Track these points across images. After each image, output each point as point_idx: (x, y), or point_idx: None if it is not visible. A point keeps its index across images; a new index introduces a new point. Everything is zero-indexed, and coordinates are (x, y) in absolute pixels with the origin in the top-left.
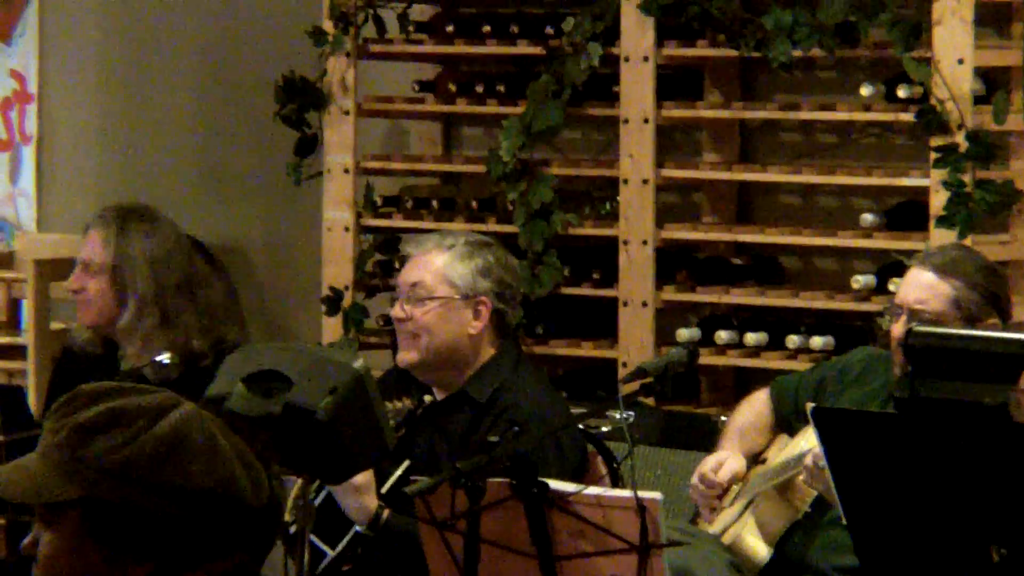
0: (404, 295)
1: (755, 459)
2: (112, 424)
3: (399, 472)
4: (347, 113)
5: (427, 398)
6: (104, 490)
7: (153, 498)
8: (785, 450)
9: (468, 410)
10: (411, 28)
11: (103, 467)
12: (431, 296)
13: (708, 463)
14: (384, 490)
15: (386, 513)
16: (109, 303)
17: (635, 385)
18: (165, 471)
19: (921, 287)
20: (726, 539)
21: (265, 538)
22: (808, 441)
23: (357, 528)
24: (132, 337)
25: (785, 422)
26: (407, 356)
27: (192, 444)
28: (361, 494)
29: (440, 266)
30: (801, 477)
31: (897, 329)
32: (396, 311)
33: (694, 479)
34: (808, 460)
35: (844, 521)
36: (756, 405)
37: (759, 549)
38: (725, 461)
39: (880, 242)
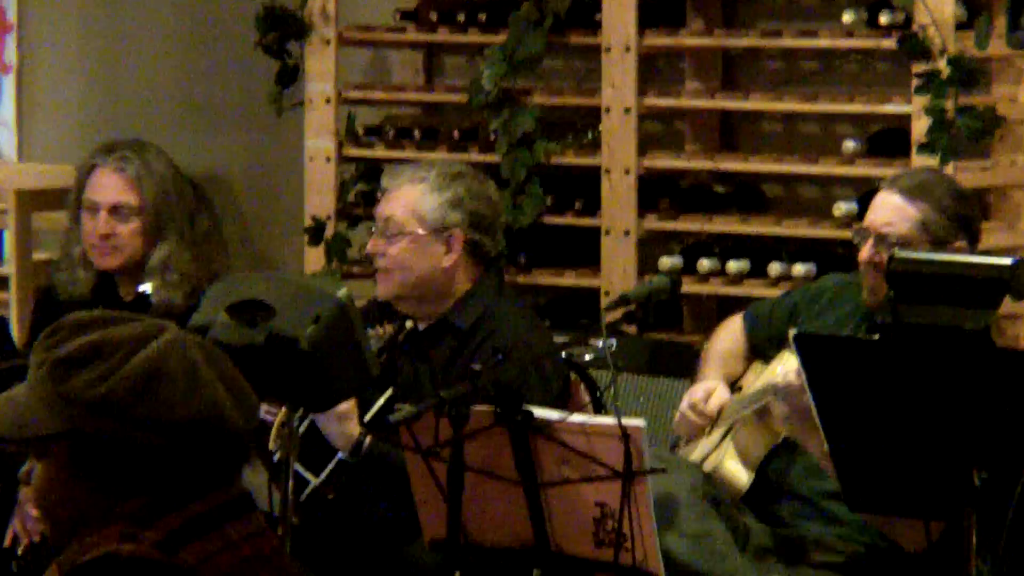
0: (377, 230)
1: (732, 386)
2: (92, 357)
3: (382, 400)
4: (328, 43)
5: (408, 323)
6: (87, 424)
7: (135, 431)
8: (762, 376)
9: (451, 338)
10: None
11: (84, 401)
12: (401, 232)
13: (697, 392)
14: (367, 418)
15: (368, 440)
16: (139, 245)
17: (618, 313)
18: (144, 403)
19: (888, 210)
20: (707, 467)
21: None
22: (785, 366)
23: (340, 455)
24: (165, 274)
25: (759, 349)
26: (385, 289)
27: (171, 374)
28: (343, 421)
29: (410, 201)
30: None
31: (864, 252)
32: (371, 246)
33: (684, 407)
34: (776, 408)
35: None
36: (733, 330)
37: (740, 475)
38: (714, 390)
39: (862, 169)
